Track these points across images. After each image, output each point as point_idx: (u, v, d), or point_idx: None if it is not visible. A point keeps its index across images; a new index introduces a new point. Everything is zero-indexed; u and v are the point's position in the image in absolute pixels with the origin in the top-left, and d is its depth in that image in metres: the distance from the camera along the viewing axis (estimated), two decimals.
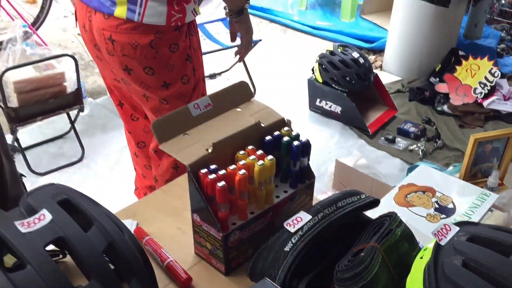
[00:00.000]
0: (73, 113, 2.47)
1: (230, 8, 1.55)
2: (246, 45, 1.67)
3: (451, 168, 1.98)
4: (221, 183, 0.83)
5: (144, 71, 1.49)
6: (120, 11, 1.39)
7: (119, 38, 1.43)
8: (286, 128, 0.97)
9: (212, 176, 0.84)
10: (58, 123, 2.65)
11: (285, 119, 0.99)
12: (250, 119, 0.96)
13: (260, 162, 0.87)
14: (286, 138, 0.94)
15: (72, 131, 2.52)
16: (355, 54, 2.78)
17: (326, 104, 2.87)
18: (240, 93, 1.01)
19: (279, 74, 3.37)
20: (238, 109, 0.99)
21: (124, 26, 1.41)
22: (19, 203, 0.77)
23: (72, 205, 0.77)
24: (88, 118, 2.76)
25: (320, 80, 2.84)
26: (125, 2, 1.38)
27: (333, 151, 2.62)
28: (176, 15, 1.43)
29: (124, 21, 1.40)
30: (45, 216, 0.72)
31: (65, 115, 2.43)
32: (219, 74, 3.35)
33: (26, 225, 0.70)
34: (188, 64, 1.53)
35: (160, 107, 1.58)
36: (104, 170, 2.42)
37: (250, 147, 0.91)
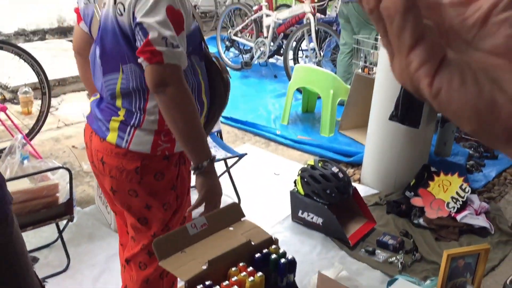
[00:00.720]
0: (62, 222, 2.52)
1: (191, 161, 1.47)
2: (199, 203, 1.39)
3: (428, 282, 2.05)
4: None
5: (128, 193, 1.59)
6: (111, 137, 1.54)
7: (109, 160, 1.56)
8: (274, 246, 1.07)
9: None
10: (45, 232, 2.69)
11: (273, 237, 1.10)
12: (242, 237, 1.06)
13: (251, 278, 0.96)
14: (274, 256, 1.03)
15: (59, 240, 2.56)
16: (335, 169, 2.95)
17: (308, 215, 2.98)
18: (233, 214, 1.12)
19: (263, 185, 3.51)
20: (231, 228, 1.09)
21: (115, 151, 1.54)
22: None
23: None
24: (75, 227, 2.81)
25: (302, 193, 2.97)
26: (116, 129, 1.53)
27: (315, 262, 2.67)
28: (163, 144, 1.52)
29: (115, 146, 1.54)
30: None
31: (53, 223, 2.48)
32: None
33: None
34: (173, 192, 1.60)
35: (138, 225, 1.67)
36: (89, 280, 2.43)
37: (241, 264, 1.01)
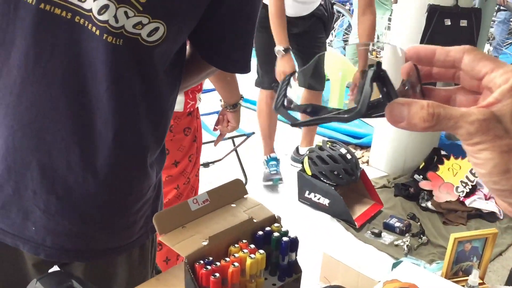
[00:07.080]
0: None
1: (226, 102, 1.71)
2: (231, 130, 1.82)
3: (434, 265, 2.03)
4: (215, 275, 0.89)
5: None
6: None
7: None
8: (276, 224, 1.05)
9: (207, 268, 0.91)
10: None
11: (276, 215, 1.08)
12: (244, 214, 1.04)
13: (252, 256, 0.94)
14: (276, 234, 1.01)
15: None
16: (343, 150, 2.92)
17: (315, 196, 2.97)
18: (235, 190, 1.10)
19: None
20: (233, 205, 1.07)
21: None
22: (27, 287, 0.83)
23: None
24: None
25: (309, 173, 2.95)
26: None
27: (320, 243, 2.67)
28: (190, 102, 1.67)
29: None
30: None
31: None
32: (212, 163, 3.46)
33: None
34: (195, 144, 1.76)
35: (165, 183, 1.71)
36: None
37: (243, 241, 0.99)
